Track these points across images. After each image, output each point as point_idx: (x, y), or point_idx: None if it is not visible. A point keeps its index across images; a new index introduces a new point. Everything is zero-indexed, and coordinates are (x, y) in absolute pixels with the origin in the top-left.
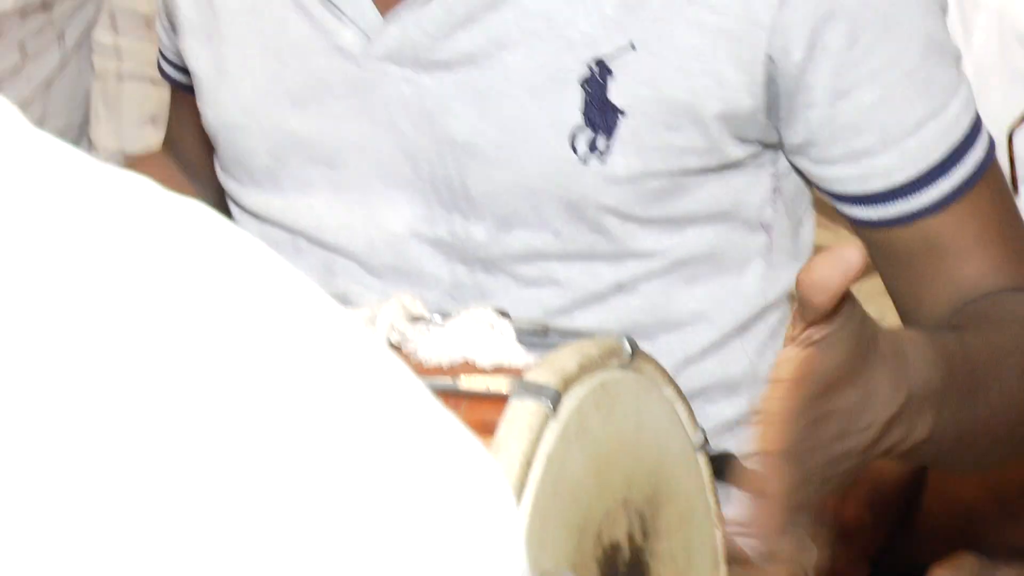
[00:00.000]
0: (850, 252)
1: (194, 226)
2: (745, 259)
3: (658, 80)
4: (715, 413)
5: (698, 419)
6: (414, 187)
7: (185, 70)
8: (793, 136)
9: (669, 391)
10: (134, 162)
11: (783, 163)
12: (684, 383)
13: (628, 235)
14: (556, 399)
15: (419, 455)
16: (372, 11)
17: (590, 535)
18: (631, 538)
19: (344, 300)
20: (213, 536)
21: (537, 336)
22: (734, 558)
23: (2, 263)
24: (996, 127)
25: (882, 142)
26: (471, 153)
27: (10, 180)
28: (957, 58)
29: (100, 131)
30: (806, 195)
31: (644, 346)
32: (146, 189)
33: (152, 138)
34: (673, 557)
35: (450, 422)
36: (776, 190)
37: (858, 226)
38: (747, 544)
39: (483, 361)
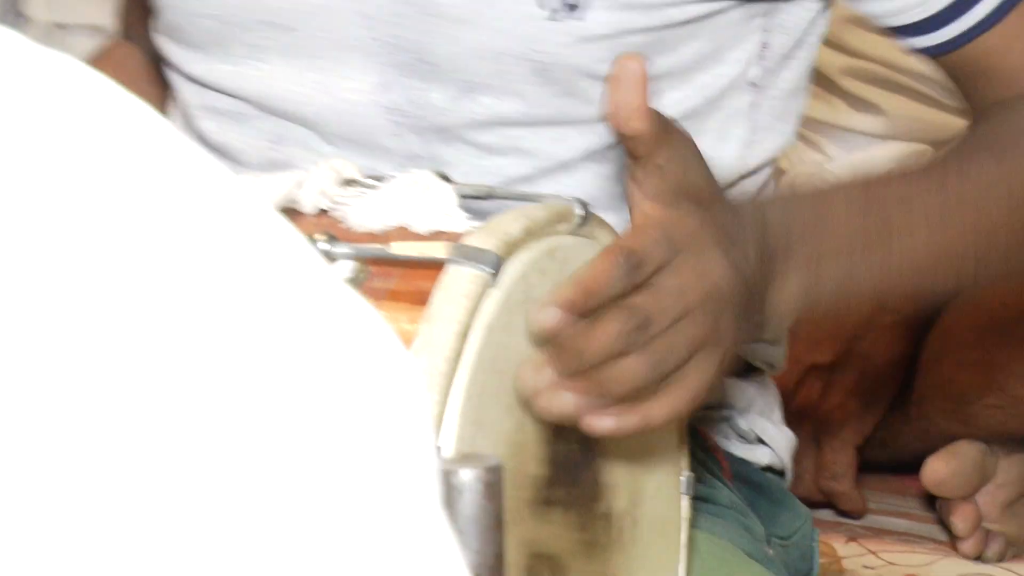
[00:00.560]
0: (630, 62)
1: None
2: (727, 124)
3: None
4: None
5: None
6: (370, 51)
7: None
8: None
9: None
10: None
11: (776, 18)
12: None
13: (601, 98)
14: (497, 265)
15: (301, 323)
16: None
17: (532, 414)
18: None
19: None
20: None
21: (481, 201)
22: None
23: None
24: None
25: None
26: (433, 13)
27: None
28: None
29: (32, 2)
30: (803, 57)
31: (613, 218)
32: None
33: (88, 10)
34: (627, 439)
35: (334, 284)
36: (765, 46)
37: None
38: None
39: (419, 226)
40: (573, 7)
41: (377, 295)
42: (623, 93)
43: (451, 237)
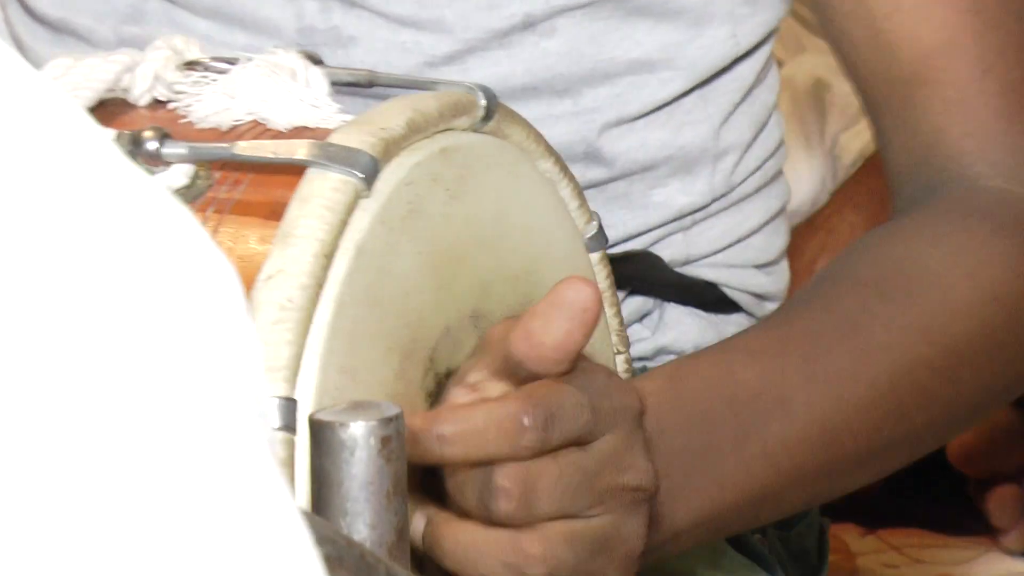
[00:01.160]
0: (582, 292)
1: None
2: None
3: None
4: (663, 200)
5: (643, 207)
6: None
7: None
8: None
9: (547, 164)
10: None
11: None
12: (621, 156)
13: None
14: (372, 169)
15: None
16: None
17: (419, 359)
18: None
19: None
20: None
21: (361, 89)
22: None
23: None
24: None
25: None
26: None
27: None
28: None
29: None
30: None
31: (564, 106)
32: None
33: None
34: None
35: (141, 192)
36: None
37: None
38: None
39: (278, 121)
40: None
41: (220, 207)
42: (563, 321)
43: (317, 135)
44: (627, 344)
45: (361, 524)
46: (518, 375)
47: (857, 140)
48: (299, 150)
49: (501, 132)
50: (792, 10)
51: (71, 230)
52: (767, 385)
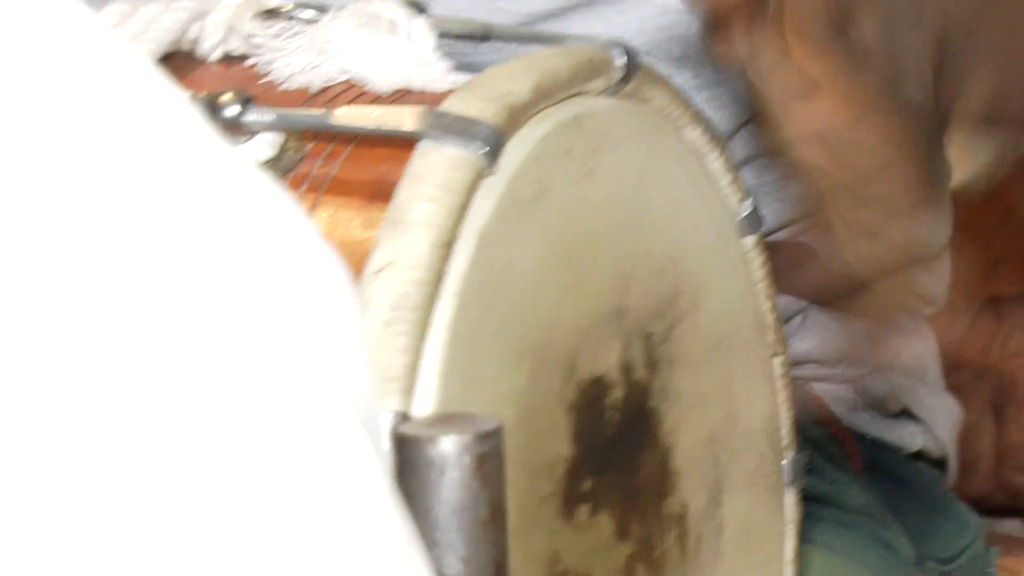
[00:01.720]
0: None
1: None
2: None
3: None
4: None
5: (778, 199)
6: None
7: None
8: None
9: (694, 134)
10: None
11: None
12: None
13: None
14: (495, 143)
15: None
16: None
17: (556, 365)
18: (627, 371)
19: None
20: None
21: (475, 43)
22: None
23: None
24: None
25: None
26: None
27: None
28: None
29: None
30: None
31: (683, 77)
32: None
33: None
34: (702, 398)
35: (235, 169)
36: None
37: None
38: None
39: (377, 81)
40: None
41: (315, 184)
42: None
43: (424, 99)
44: (785, 345)
45: (453, 558)
46: None
47: None
48: (408, 120)
49: (640, 96)
50: None
51: (154, 222)
52: None
